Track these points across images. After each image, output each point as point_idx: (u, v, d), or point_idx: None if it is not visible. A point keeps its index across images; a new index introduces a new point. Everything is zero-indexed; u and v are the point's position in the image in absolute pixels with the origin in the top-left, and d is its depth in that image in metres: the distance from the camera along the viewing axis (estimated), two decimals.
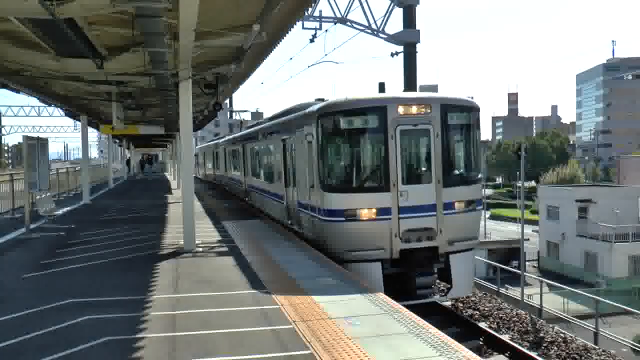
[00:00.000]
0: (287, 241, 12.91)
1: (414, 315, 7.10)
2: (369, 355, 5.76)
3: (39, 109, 60.20)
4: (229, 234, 14.27)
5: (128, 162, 57.43)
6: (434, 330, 6.54)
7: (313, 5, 10.86)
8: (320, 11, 23.17)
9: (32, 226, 15.18)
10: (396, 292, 9.94)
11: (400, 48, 23.54)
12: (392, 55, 23.98)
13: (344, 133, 11.34)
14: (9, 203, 19.52)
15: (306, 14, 13.01)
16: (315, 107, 11.92)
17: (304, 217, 12.75)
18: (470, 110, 11.83)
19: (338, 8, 23.50)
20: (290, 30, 12.18)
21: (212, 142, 41.04)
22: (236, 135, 26.65)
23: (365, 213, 10.84)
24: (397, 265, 11.06)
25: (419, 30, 23.34)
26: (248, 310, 7.45)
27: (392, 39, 23.42)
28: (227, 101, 60.95)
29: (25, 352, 6.09)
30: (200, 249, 12.20)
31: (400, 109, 11.01)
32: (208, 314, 7.34)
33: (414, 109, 11.09)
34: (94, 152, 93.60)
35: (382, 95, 11.95)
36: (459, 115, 11.64)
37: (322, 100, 13.68)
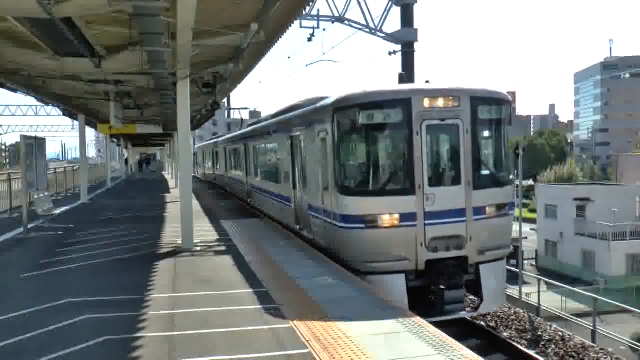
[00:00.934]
0: (285, 241, 12.91)
1: (413, 315, 7.11)
2: (368, 353, 5.77)
3: (36, 109, 60.09)
4: (228, 234, 14.27)
5: (126, 161, 57.57)
6: (432, 328, 6.55)
7: (311, 4, 10.78)
8: (318, 10, 23.15)
9: (30, 226, 15.15)
10: (420, 306, 9.24)
11: (398, 47, 23.54)
12: (390, 54, 24.00)
13: (363, 129, 10.08)
14: (7, 203, 19.50)
15: (304, 13, 13.01)
16: (329, 101, 10.82)
17: (315, 222, 11.67)
18: (502, 103, 10.69)
19: (336, 7, 23.48)
20: (288, 29, 12.20)
21: (211, 141, 39.75)
22: (238, 133, 25.65)
23: (387, 219, 9.72)
24: (422, 277, 9.95)
25: (417, 29, 23.35)
26: (246, 310, 7.45)
27: (390, 38, 23.43)
28: (225, 100, 60.91)
29: (24, 352, 6.09)
30: (199, 249, 12.20)
31: (426, 102, 9.86)
32: (206, 313, 7.35)
33: (441, 102, 9.94)
34: (91, 152, 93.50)
35: (405, 86, 10.76)
36: (490, 108, 10.50)
37: (323, 98, 12.65)
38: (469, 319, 12.04)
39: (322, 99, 11.83)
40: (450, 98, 10.03)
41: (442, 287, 9.81)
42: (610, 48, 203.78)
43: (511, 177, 11.07)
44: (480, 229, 10.05)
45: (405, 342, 6.11)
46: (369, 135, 10.19)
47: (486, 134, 10.67)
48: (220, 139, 32.50)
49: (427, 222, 9.79)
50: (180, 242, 12.38)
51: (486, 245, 10.17)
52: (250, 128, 21.92)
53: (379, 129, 10.15)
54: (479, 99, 10.27)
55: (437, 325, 6.88)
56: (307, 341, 6.15)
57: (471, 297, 11.68)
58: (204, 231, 14.68)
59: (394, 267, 9.71)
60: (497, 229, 10.43)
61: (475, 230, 10.01)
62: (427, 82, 10.87)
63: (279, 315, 7.12)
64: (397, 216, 9.73)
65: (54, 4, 7.91)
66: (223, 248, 12.24)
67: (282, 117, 15.32)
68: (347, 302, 7.68)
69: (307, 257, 10.83)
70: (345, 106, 10.24)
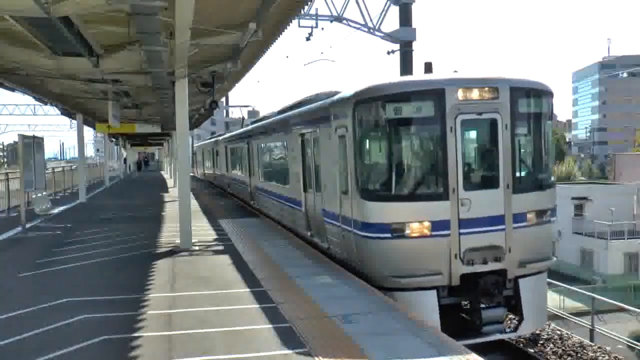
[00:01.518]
0: (284, 240, 12.91)
1: (413, 315, 7.11)
2: (366, 352, 5.77)
3: (34, 108, 60.07)
4: (226, 233, 14.27)
5: (125, 160, 57.79)
6: (431, 328, 6.55)
7: (309, 3, 10.69)
8: (317, 9, 23.12)
9: (28, 225, 15.15)
10: (453, 325, 8.39)
11: (397, 46, 23.53)
12: (389, 53, 23.99)
13: (389, 124, 8.87)
14: (5, 202, 19.48)
15: (302, 12, 12.99)
16: (349, 93, 9.61)
17: (331, 230, 10.46)
18: (544, 95, 9.50)
19: (334, 6, 23.46)
20: (286, 28, 12.17)
21: (212, 139, 38.43)
22: (240, 130, 24.49)
23: (416, 227, 8.56)
24: (456, 294, 8.85)
25: (415, 29, 23.33)
26: (245, 309, 7.45)
27: (388, 37, 23.41)
28: (224, 99, 60.89)
29: (22, 352, 6.09)
30: (197, 248, 12.20)
31: (460, 93, 8.69)
32: (205, 312, 7.34)
33: (477, 94, 8.79)
34: (90, 151, 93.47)
35: (437, 75, 9.40)
36: (531, 101, 9.36)
37: (334, 93, 11.47)
38: (506, 339, 10.72)
39: (334, 93, 10.93)
40: (488, 89, 8.85)
41: (479, 304, 8.79)
42: (608, 47, 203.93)
43: (553, 178, 9.95)
44: (520, 238, 8.91)
45: (403, 341, 6.11)
46: (396, 132, 8.97)
47: (527, 129, 9.48)
48: (221, 137, 31.20)
49: (461, 230, 8.65)
50: (179, 241, 12.37)
51: (527, 256, 9.03)
52: (253, 125, 20.72)
53: (407, 124, 9.00)
54: (520, 90, 9.12)
55: (473, 348, 6.36)
56: (306, 341, 6.15)
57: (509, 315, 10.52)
58: (203, 230, 14.67)
59: (424, 282, 8.54)
60: (539, 238, 9.29)
61: (515, 240, 8.87)
62: (455, 72, 9.86)
63: (277, 315, 7.12)
64: (428, 224, 8.58)
65: (51, 3, 7.90)
66: (221, 247, 12.24)
67: (290, 112, 14.14)
68: (347, 301, 7.67)
69: (305, 256, 10.83)
70: (368, 98, 9.02)
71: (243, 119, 38.20)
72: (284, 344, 6.07)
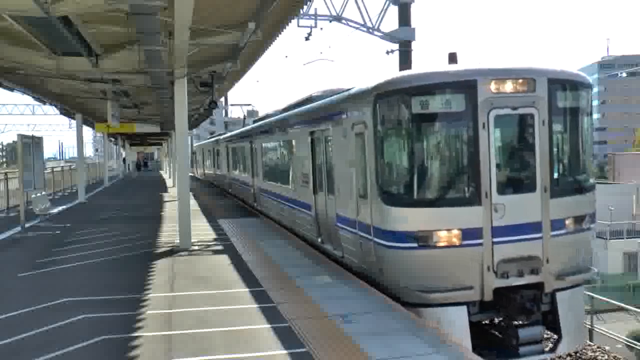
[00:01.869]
0: (283, 239, 12.91)
1: (412, 315, 7.11)
2: (365, 352, 5.77)
3: (33, 107, 60.07)
4: (225, 232, 14.27)
5: (124, 160, 57.97)
6: (430, 328, 6.55)
7: (308, 3, 10.65)
8: (316, 9, 23.11)
9: (27, 225, 15.14)
10: (482, 344, 7.81)
11: (396, 46, 23.53)
12: (388, 53, 23.99)
13: (415, 120, 7.93)
14: (4, 202, 19.47)
15: (301, 12, 12.99)
16: (369, 85, 8.71)
17: (346, 236, 9.59)
18: (584, 88, 8.63)
19: (333, 6, 23.45)
20: (285, 28, 12.18)
21: (212, 138, 37.23)
22: (243, 129, 23.48)
23: (444, 236, 7.68)
24: (489, 310, 8.00)
25: (414, 29, 23.33)
26: (244, 309, 7.45)
27: (388, 37, 23.40)
28: (223, 99, 60.87)
29: (21, 352, 6.08)
30: (197, 248, 12.20)
31: (494, 86, 7.85)
32: (204, 312, 7.34)
33: (512, 86, 7.93)
34: (89, 151, 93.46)
35: (467, 66, 8.35)
36: (571, 94, 8.45)
37: (342, 90, 10.73)
38: None
39: (344, 90, 10.30)
40: (524, 81, 7.98)
41: (515, 322, 7.99)
42: (607, 47, 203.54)
43: (592, 180, 8.91)
44: (559, 247, 8.04)
45: (403, 341, 6.12)
46: (422, 128, 8.04)
47: (566, 126, 8.53)
48: (222, 137, 30.14)
49: (495, 239, 7.75)
50: (178, 241, 12.37)
51: (566, 268, 8.19)
52: (257, 124, 19.70)
53: (434, 120, 8.04)
54: (558, 82, 8.25)
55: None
56: (306, 340, 6.15)
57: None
58: (202, 230, 14.67)
59: (454, 297, 7.70)
60: (578, 247, 8.42)
61: (553, 250, 7.99)
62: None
63: (277, 315, 7.12)
64: (457, 232, 7.71)
65: (50, 3, 7.91)
66: (221, 247, 12.24)
67: (298, 109, 13.33)
68: (347, 301, 7.68)
69: (304, 256, 10.83)
70: (391, 91, 8.11)
71: (245, 117, 37.76)
72: (283, 344, 6.07)
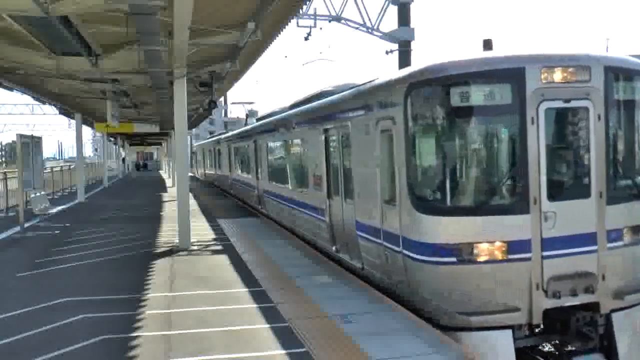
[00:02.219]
0: (282, 239, 12.91)
1: (413, 316, 7.11)
2: (365, 352, 5.78)
3: (32, 107, 60.02)
4: (225, 232, 14.27)
5: (124, 160, 58.19)
6: (429, 327, 6.56)
7: (307, 3, 10.63)
8: (315, 9, 23.16)
9: (26, 225, 15.13)
10: None
11: (395, 46, 23.54)
12: (387, 53, 24.01)
13: (455, 115, 6.93)
14: (3, 202, 19.46)
15: (301, 12, 12.99)
16: (400, 75, 7.71)
17: (367, 247, 8.55)
18: None
19: (333, 6, 23.47)
20: (284, 28, 12.18)
21: (213, 138, 36.02)
22: (247, 127, 22.34)
23: (487, 249, 6.67)
24: (537, 334, 7.01)
25: (413, 28, 23.35)
26: (243, 309, 7.45)
27: (387, 37, 23.42)
28: (222, 99, 60.90)
29: (20, 352, 6.08)
30: (196, 248, 12.20)
31: (544, 74, 6.81)
32: (203, 312, 7.34)
33: (562, 75, 6.87)
34: (88, 151, 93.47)
35: (514, 52, 7.18)
36: (629, 85, 7.34)
37: (353, 86, 9.90)
38: None
39: (358, 85, 9.59)
40: (576, 69, 6.92)
41: (569, 349, 7.05)
42: (607, 47, 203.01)
43: None
44: (616, 261, 7.01)
45: (403, 340, 6.12)
46: (463, 124, 7.02)
47: (624, 121, 7.40)
48: (224, 136, 28.99)
49: (545, 253, 6.74)
50: (177, 241, 12.37)
51: (624, 285, 7.09)
52: (262, 122, 18.48)
53: (477, 115, 6.99)
54: (615, 70, 7.16)
55: None
56: (305, 340, 6.15)
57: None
58: (201, 230, 14.67)
59: (497, 320, 6.71)
60: (638, 261, 7.34)
61: (610, 264, 6.95)
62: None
63: (276, 315, 7.12)
64: (502, 245, 6.70)
65: (50, 3, 7.90)
66: (220, 247, 12.24)
67: (308, 106, 12.24)
68: (346, 301, 7.66)
69: (304, 255, 10.83)
70: (427, 80, 7.08)
71: (247, 116, 37.24)
72: (283, 344, 6.07)
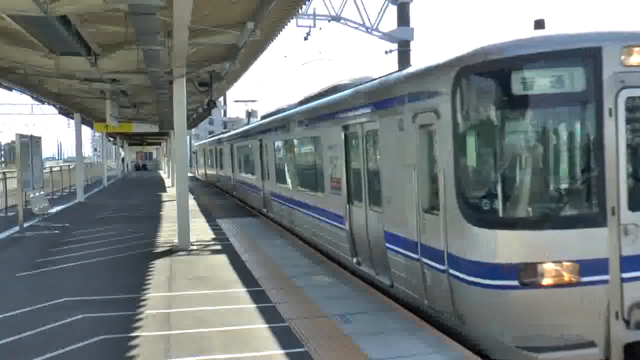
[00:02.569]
0: (282, 239, 12.90)
1: (412, 316, 7.11)
2: (365, 352, 5.77)
3: (31, 107, 59.96)
4: (224, 232, 14.27)
5: (123, 159, 58.33)
6: (428, 327, 6.55)
7: (307, 3, 10.61)
8: (315, 9, 23.14)
9: (25, 225, 15.13)
10: None
11: (395, 46, 23.54)
12: (386, 53, 24.00)
13: (519, 105, 5.66)
14: (2, 202, 19.46)
15: (300, 12, 12.98)
16: (447, 58, 6.36)
17: (399, 262, 7.42)
18: None
19: (332, 6, 23.46)
20: (284, 28, 12.17)
21: (215, 137, 34.91)
22: (251, 126, 20.96)
23: (554, 270, 5.54)
24: None
25: (413, 28, 23.34)
26: (243, 309, 7.45)
27: (386, 36, 23.41)
28: (222, 99, 60.89)
29: (20, 352, 6.07)
30: (195, 247, 12.20)
31: (625, 56, 5.58)
32: (203, 312, 7.34)
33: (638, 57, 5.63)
34: (87, 150, 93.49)
35: (587, 28, 5.90)
36: None
37: (369, 80, 9.00)
38: None
39: (375, 79, 8.69)
40: None
41: None
42: None
43: None
44: None
45: (402, 340, 6.11)
46: (527, 117, 5.73)
47: None
48: (226, 135, 27.66)
49: (625, 274, 5.57)
50: (177, 241, 12.36)
51: None
52: (268, 119, 17.08)
53: (544, 105, 5.72)
54: None
55: None
56: (305, 340, 6.15)
57: None
58: (201, 230, 14.67)
59: (568, 357, 5.57)
60: None
61: None
62: None
63: (276, 314, 7.11)
64: (571, 264, 5.55)
65: (49, 2, 7.90)
66: (219, 247, 12.23)
67: (324, 100, 10.98)
68: (346, 301, 7.65)
69: (303, 255, 10.83)
70: (483, 62, 5.80)
71: (249, 114, 36.80)
72: (282, 344, 6.06)
